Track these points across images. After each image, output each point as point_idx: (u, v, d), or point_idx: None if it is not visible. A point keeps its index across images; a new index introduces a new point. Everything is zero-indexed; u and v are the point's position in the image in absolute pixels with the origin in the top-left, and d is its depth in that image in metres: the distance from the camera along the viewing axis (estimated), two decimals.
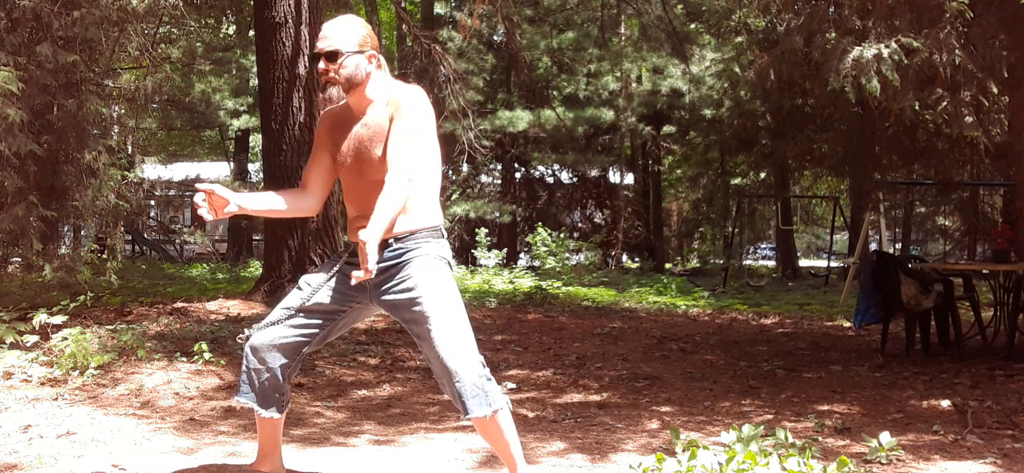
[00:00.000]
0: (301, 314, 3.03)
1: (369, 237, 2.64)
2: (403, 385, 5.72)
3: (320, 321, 3.05)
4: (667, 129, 20.94)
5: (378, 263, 2.89)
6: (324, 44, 2.98)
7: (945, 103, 5.81)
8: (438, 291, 2.95)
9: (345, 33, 2.99)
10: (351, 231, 3.08)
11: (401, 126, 2.91)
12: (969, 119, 5.89)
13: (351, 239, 3.06)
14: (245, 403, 3.12)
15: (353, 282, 2.69)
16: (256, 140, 21.94)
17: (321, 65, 2.97)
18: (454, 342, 2.89)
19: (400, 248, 2.98)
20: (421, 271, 2.95)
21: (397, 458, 3.92)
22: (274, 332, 3.02)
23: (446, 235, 3.17)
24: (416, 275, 2.95)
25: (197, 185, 2.91)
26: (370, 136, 2.98)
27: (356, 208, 3.04)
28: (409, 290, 2.94)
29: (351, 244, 3.07)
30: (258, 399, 3.09)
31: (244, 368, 3.09)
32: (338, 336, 3.26)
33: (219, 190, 2.88)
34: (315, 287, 3.03)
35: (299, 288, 3.07)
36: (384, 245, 2.93)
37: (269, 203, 3.08)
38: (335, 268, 3.05)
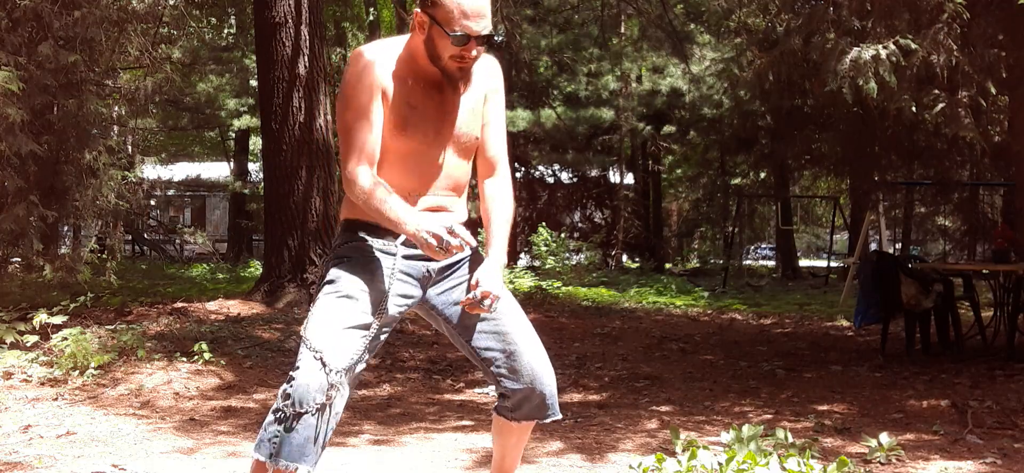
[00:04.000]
0: (374, 331, 2.39)
1: (499, 262, 2.41)
2: (403, 385, 5.73)
3: (382, 338, 2.47)
4: (667, 129, 20.94)
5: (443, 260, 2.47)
6: (483, 25, 2.37)
7: (942, 104, 5.81)
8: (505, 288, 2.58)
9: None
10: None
11: (500, 113, 2.56)
12: (967, 120, 5.89)
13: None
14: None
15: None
16: (256, 140, 21.94)
17: (474, 52, 2.41)
18: (538, 344, 2.57)
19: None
20: (492, 267, 2.48)
21: (397, 458, 3.92)
22: (357, 364, 2.36)
23: None
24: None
25: (452, 233, 2.33)
26: (472, 110, 2.52)
27: (416, 182, 2.49)
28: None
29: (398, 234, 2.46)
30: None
31: (317, 426, 2.27)
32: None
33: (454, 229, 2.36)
34: (378, 297, 2.41)
35: (352, 298, 2.39)
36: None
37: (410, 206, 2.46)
38: (393, 267, 2.44)
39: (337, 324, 2.33)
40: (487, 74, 2.54)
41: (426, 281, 2.51)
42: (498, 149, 2.56)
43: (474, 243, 2.41)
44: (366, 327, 2.36)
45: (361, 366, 2.39)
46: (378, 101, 2.42)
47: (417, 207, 2.48)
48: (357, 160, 2.39)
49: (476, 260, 2.56)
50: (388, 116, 2.44)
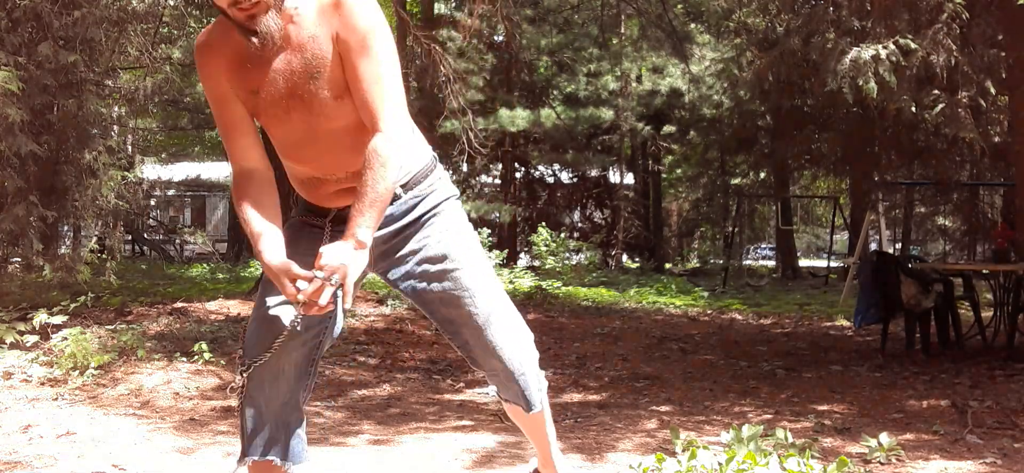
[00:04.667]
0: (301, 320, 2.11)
1: (365, 237, 1.99)
2: (402, 385, 5.73)
3: (323, 318, 2.15)
4: (667, 129, 20.94)
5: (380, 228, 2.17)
6: None
7: (942, 104, 5.82)
8: (474, 259, 2.28)
9: None
10: (314, 194, 2.25)
11: (365, 56, 2.05)
12: (966, 120, 5.90)
13: (317, 202, 2.25)
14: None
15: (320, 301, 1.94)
16: None
17: None
18: (507, 323, 2.31)
19: (410, 200, 2.24)
20: (445, 232, 2.24)
21: (396, 458, 3.92)
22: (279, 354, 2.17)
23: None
24: (441, 238, 2.24)
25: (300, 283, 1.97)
26: (307, 68, 2.07)
27: (315, 168, 2.19)
28: (435, 261, 2.24)
29: (328, 210, 2.24)
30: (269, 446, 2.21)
31: (243, 419, 2.22)
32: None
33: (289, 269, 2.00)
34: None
35: (270, 283, 2.11)
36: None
37: (273, 231, 2.11)
38: (324, 245, 2.09)
39: (256, 314, 2.16)
40: (326, 15, 2.05)
41: (372, 254, 2.12)
42: (367, 101, 2.05)
43: (333, 307, 1.97)
44: (283, 310, 2.10)
45: (304, 348, 2.16)
46: (225, 101, 2.14)
47: (329, 195, 2.20)
48: (232, 172, 2.16)
49: (440, 220, 2.26)
50: (245, 110, 2.15)
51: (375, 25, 2.06)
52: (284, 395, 2.18)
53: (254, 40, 2.00)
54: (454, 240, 2.26)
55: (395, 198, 2.20)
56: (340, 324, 2.20)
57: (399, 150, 2.06)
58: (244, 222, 2.10)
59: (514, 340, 2.33)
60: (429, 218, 2.26)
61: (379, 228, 2.11)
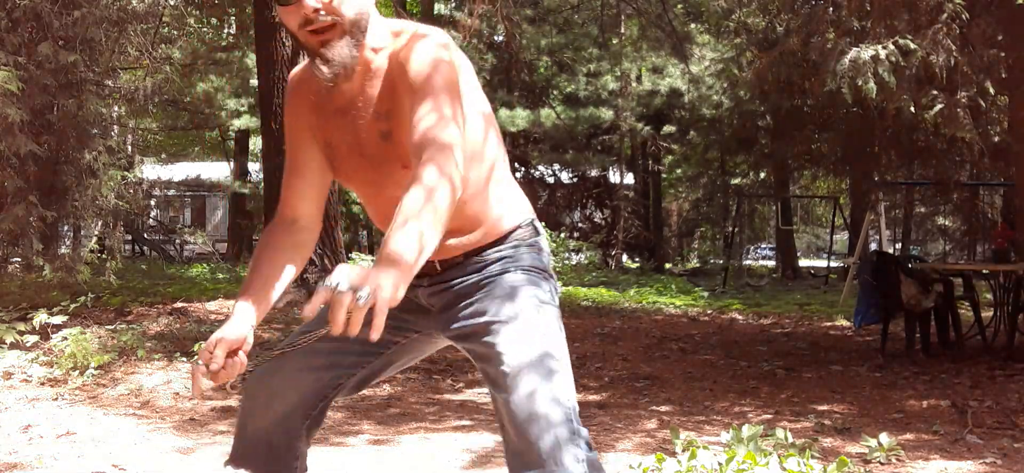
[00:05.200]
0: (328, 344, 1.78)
1: (386, 258, 1.54)
2: (402, 385, 5.73)
3: (354, 357, 1.97)
4: (667, 129, 20.95)
5: (447, 283, 1.92)
6: None
7: (941, 105, 5.82)
8: (532, 319, 1.84)
9: None
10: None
11: (420, 94, 1.75)
12: (965, 121, 5.90)
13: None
14: None
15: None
16: (256, 140, 21.95)
17: (312, 2, 1.70)
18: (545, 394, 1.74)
19: (479, 262, 1.92)
20: (508, 291, 1.87)
21: (396, 458, 3.92)
22: (293, 365, 1.94)
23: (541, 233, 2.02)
24: (500, 296, 1.87)
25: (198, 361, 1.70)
26: (387, 124, 1.82)
27: (381, 220, 1.94)
28: (484, 314, 1.86)
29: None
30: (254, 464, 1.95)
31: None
32: (384, 378, 2.15)
33: (225, 340, 1.69)
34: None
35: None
36: (450, 263, 1.92)
37: (275, 288, 1.85)
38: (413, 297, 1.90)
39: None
40: (407, 59, 1.79)
41: (433, 305, 1.93)
42: (419, 135, 1.71)
43: (353, 329, 1.49)
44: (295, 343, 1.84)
45: (316, 380, 1.96)
46: (300, 142, 1.93)
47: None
48: (277, 212, 1.94)
49: (507, 278, 1.89)
50: (319, 157, 1.94)
51: (441, 59, 1.78)
52: (278, 416, 1.93)
53: (325, 69, 1.75)
54: (512, 300, 1.87)
55: (452, 263, 1.90)
56: (362, 377, 1.99)
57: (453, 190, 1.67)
58: (251, 263, 1.87)
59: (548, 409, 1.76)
60: (494, 280, 1.90)
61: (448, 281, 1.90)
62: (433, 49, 1.79)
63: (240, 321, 1.72)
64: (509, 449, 1.77)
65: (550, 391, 1.73)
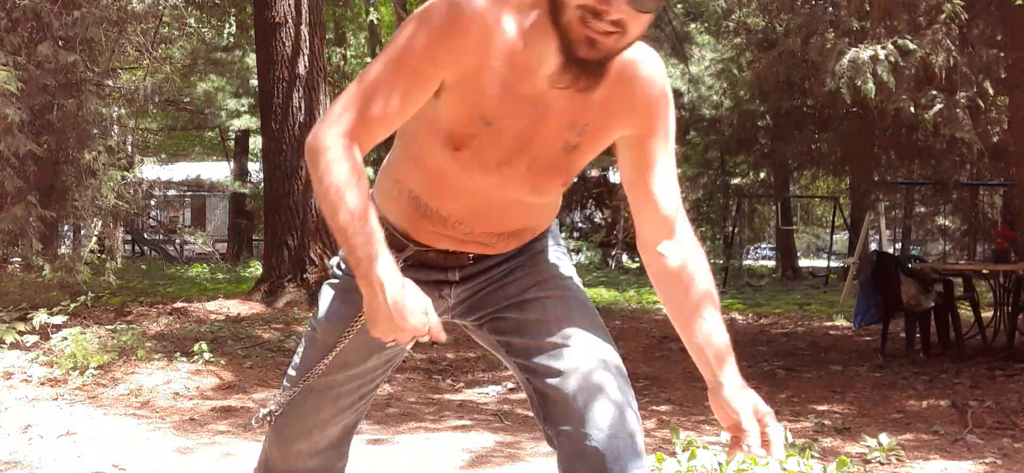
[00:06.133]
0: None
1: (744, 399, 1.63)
2: (401, 385, 5.73)
3: (380, 375, 1.81)
4: None
5: (476, 270, 1.75)
6: None
7: (940, 105, 5.83)
8: (577, 290, 1.79)
9: None
10: (416, 225, 1.69)
11: (667, 144, 1.66)
12: (964, 121, 5.91)
13: (412, 233, 1.70)
14: None
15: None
16: (256, 140, 21.96)
17: (620, 17, 1.41)
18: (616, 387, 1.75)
19: (514, 251, 1.78)
20: (547, 265, 1.79)
21: (395, 457, 3.92)
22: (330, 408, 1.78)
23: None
24: (543, 268, 1.78)
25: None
26: (578, 138, 1.60)
27: (463, 216, 1.67)
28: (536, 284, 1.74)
29: (415, 246, 1.70)
30: None
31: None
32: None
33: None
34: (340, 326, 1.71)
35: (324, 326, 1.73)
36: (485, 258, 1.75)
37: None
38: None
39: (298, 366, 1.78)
40: (638, 85, 1.59)
41: (448, 297, 1.76)
42: (673, 198, 1.71)
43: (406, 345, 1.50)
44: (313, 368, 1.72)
45: (350, 413, 1.80)
46: (427, 82, 1.51)
47: (435, 234, 1.69)
48: (340, 126, 1.47)
49: (542, 256, 1.79)
50: (454, 109, 1.54)
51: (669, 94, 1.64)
52: (313, 449, 1.78)
53: (572, 68, 1.46)
54: (554, 271, 1.82)
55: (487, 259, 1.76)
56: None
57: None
58: (356, 211, 1.43)
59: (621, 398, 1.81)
60: (527, 262, 1.80)
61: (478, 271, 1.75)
62: (665, 78, 1.63)
63: (406, 282, 1.44)
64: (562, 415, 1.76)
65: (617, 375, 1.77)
